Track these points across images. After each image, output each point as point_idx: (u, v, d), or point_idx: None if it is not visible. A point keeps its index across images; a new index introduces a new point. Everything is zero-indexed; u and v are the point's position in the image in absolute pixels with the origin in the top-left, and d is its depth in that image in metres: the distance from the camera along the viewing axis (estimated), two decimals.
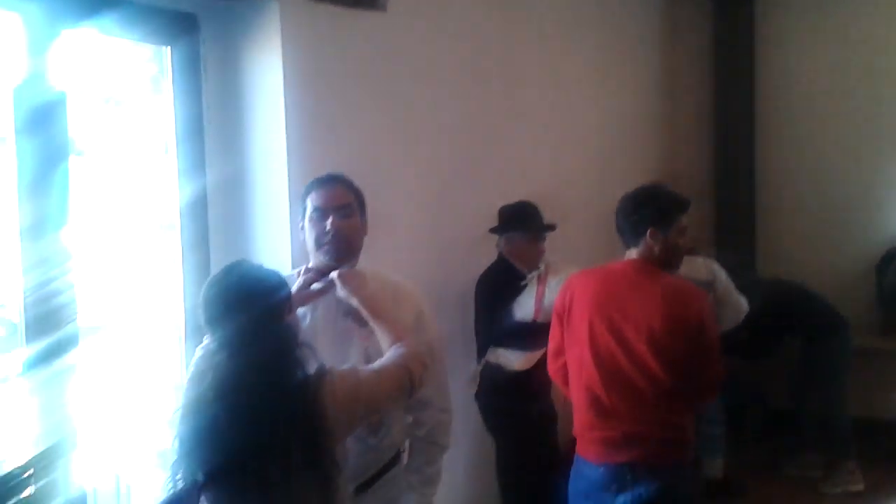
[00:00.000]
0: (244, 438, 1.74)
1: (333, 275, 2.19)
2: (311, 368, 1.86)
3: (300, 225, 2.35)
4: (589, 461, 2.80)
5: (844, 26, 5.86)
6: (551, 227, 3.73)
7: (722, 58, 6.11)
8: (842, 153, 5.92)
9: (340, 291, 2.17)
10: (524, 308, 3.61)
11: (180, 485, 1.76)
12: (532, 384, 3.43)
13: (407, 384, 2.03)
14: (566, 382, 2.96)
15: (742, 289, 4.62)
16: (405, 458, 2.45)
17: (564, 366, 2.94)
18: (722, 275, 4.51)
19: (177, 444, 1.82)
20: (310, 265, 2.31)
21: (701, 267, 4.50)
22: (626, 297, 2.77)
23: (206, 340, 2.03)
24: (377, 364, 2.04)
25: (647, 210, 2.82)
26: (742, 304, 4.51)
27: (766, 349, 5.19)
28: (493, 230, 3.73)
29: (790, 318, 4.98)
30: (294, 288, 2.13)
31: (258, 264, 1.94)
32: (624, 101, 5.51)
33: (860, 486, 4.81)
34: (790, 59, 6.05)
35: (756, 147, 6.14)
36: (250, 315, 1.81)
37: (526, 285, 3.64)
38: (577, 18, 4.84)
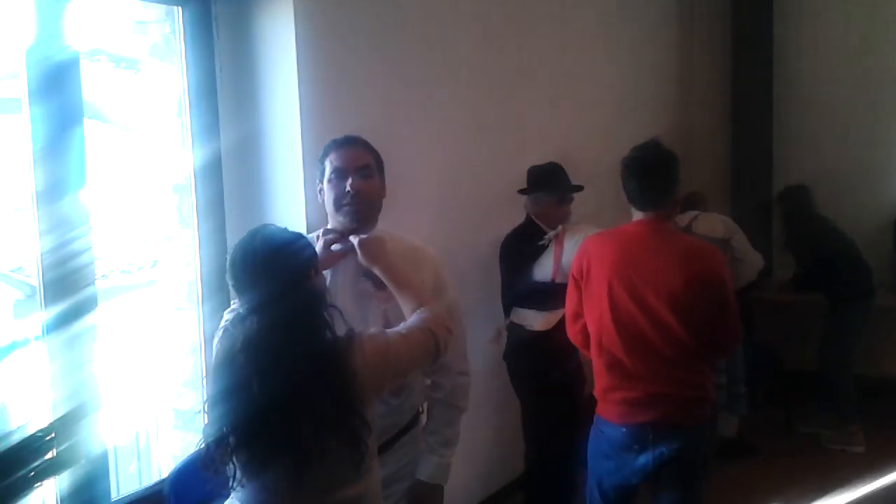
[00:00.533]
0: (274, 398, 1.74)
1: (354, 241, 2.18)
2: (340, 330, 1.86)
3: (318, 187, 2.33)
4: (611, 422, 2.82)
5: None
6: (578, 188, 3.73)
7: (739, 18, 6.01)
8: (860, 112, 5.88)
9: (362, 259, 2.16)
10: (544, 268, 3.62)
11: (212, 445, 1.78)
12: (554, 344, 3.44)
13: (433, 348, 2.03)
14: (586, 345, 2.96)
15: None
16: (423, 419, 2.47)
17: (584, 328, 2.93)
18: (739, 230, 4.51)
19: (208, 406, 1.83)
20: (329, 227, 2.30)
21: (718, 223, 4.50)
22: (645, 259, 2.75)
23: (234, 304, 2.04)
24: (403, 328, 2.04)
25: (670, 172, 2.79)
26: (758, 259, 4.53)
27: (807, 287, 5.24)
28: (521, 191, 3.75)
29: (835, 275, 4.96)
30: (316, 249, 2.12)
31: (283, 227, 1.93)
32: (640, 63, 5.44)
33: (860, 449, 4.88)
34: (809, 17, 5.96)
35: (773, 105, 6.08)
36: (277, 278, 1.80)
37: (545, 246, 3.65)
38: None
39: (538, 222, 3.71)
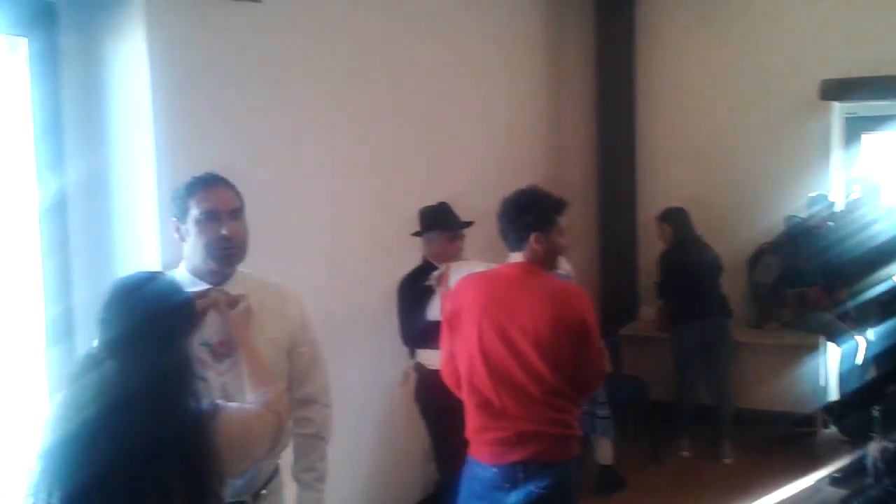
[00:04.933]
0: (119, 462, 1.57)
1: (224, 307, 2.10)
2: (205, 402, 1.74)
3: (175, 225, 2.18)
4: (482, 462, 2.84)
5: (717, 29, 6.12)
6: (467, 224, 3.79)
7: (604, 63, 6.30)
8: (715, 153, 6.18)
9: (231, 328, 2.07)
10: (435, 307, 3.64)
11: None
12: None
13: (277, 433, 1.96)
14: (458, 386, 2.96)
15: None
16: (280, 464, 2.38)
17: (456, 370, 2.94)
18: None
19: (41, 458, 1.63)
20: (184, 270, 2.19)
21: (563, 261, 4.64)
22: (513, 301, 2.80)
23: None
24: (258, 407, 1.94)
25: (529, 216, 2.83)
26: None
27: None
28: (414, 234, 3.81)
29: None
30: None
31: (172, 279, 1.84)
32: (512, 101, 5.56)
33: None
34: (667, 61, 6.28)
35: (636, 149, 6.35)
36: (153, 327, 1.67)
37: (432, 286, 3.67)
38: (462, 18, 4.84)
39: (433, 262, 3.77)
